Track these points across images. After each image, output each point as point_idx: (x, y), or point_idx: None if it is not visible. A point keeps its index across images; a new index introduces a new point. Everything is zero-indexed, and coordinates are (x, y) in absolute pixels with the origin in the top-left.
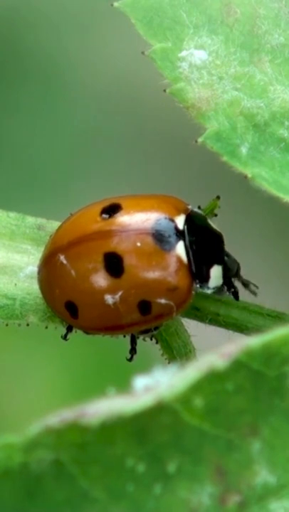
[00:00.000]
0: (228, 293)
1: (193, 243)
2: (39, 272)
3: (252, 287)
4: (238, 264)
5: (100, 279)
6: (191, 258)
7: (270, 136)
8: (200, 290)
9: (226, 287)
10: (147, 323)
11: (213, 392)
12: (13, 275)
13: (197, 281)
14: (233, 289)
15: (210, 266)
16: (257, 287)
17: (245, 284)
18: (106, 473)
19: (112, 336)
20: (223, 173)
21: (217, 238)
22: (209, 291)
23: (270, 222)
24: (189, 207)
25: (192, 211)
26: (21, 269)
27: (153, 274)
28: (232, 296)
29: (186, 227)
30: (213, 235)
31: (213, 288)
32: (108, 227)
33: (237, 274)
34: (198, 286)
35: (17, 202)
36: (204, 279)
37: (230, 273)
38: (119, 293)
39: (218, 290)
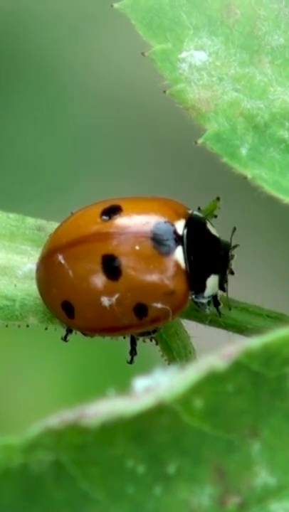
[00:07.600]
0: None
1: (191, 248)
2: (37, 271)
3: (220, 309)
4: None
5: (97, 281)
6: (189, 263)
7: (270, 137)
8: (194, 297)
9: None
10: (143, 326)
11: (213, 394)
12: (13, 276)
13: (193, 286)
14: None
15: (208, 272)
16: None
17: (216, 303)
18: (106, 475)
19: (111, 338)
20: (223, 174)
21: (216, 244)
22: (204, 301)
23: (270, 223)
24: (190, 211)
25: (192, 216)
26: (20, 269)
27: (150, 278)
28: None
29: (185, 232)
30: (213, 240)
31: (209, 297)
32: (107, 229)
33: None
34: (193, 292)
35: (17, 203)
36: (201, 284)
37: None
38: (116, 295)
39: (203, 306)
